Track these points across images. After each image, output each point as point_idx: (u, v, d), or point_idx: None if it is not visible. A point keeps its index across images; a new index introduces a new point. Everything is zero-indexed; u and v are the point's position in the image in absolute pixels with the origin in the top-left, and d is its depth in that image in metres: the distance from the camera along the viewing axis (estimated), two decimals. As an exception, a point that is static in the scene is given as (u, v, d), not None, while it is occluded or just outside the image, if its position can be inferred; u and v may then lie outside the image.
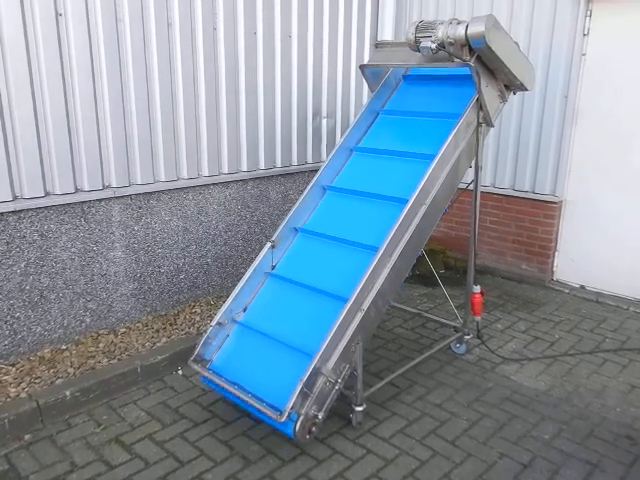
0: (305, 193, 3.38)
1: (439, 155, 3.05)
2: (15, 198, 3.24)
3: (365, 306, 2.82)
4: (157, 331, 3.86)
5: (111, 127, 3.57)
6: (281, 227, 3.30)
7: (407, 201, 2.97)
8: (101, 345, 3.63)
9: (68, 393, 3.09)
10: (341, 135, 4.92)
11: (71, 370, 3.33)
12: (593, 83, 4.45)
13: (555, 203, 4.75)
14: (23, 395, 3.06)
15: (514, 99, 4.74)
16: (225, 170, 4.27)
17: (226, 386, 2.83)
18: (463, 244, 5.30)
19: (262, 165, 4.51)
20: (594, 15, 4.34)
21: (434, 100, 3.53)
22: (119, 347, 3.62)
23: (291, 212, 3.33)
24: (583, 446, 2.88)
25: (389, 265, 2.91)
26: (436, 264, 5.14)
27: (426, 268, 4.81)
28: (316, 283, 3.07)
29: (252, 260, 3.51)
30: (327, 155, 4.83)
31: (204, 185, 4.16)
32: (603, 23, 4.32)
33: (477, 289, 3.56)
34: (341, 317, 2.71)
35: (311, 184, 3.40)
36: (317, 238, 3.29)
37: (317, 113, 4.82)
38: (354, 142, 3.61)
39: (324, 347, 2.65)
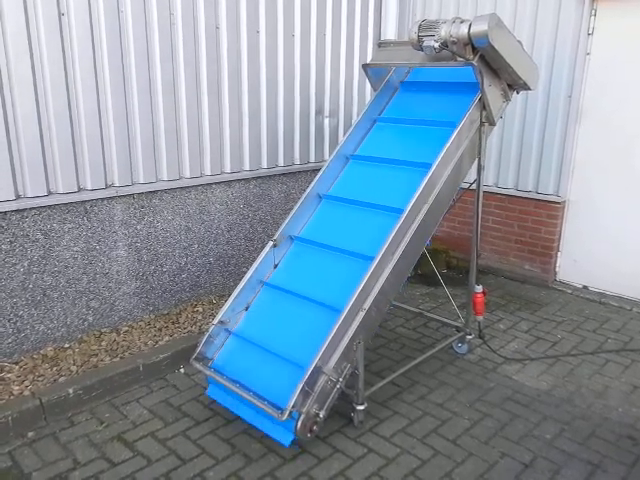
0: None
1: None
2: (18, 197, 3.26)
3: (366, 305, 2.83)
4: (159, 330, 3.87)
5: (114, 126, 3.57)
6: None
7: (430, 165, 3.03)
8: (104, 343, 3.65)
9: (71, 391, 3.11)
10: (344, 134, 4.92)
11: (74, 368, 3.34)
12: (597, 83, 4.44)
13: (558, 203, 4.74)
14: (26, 393, 3.07)
15: (517, 99, 4.72)
16: (227, 169, 4.28)
17: (227, 384, 2.84)
18: (466, 244, 5.29)
19: (265, 164, 4.51)
20: (599, 14, 4.32)
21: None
22: (121, 345, 3.63)
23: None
24: (585, 446, 2.87)
25: (390, 265, 2.90)
26: (438, 264, 5.14)
27: (428, 268, 4.81)
28: (342, 245, 3.15)
29: (254, 259, 3.51)
30: (329, 154, 4.85)
31: (207, 184, 4.16)
32: (608, 23, 4.30)
33: (479, 289, 3.56)
34: (342, 316, 2.71)
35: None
36: (340, 203, 3.38)
37: (320, 112, 4.82)
38: (377, 113, 3.69)
39: (325, 346, 2.65)
